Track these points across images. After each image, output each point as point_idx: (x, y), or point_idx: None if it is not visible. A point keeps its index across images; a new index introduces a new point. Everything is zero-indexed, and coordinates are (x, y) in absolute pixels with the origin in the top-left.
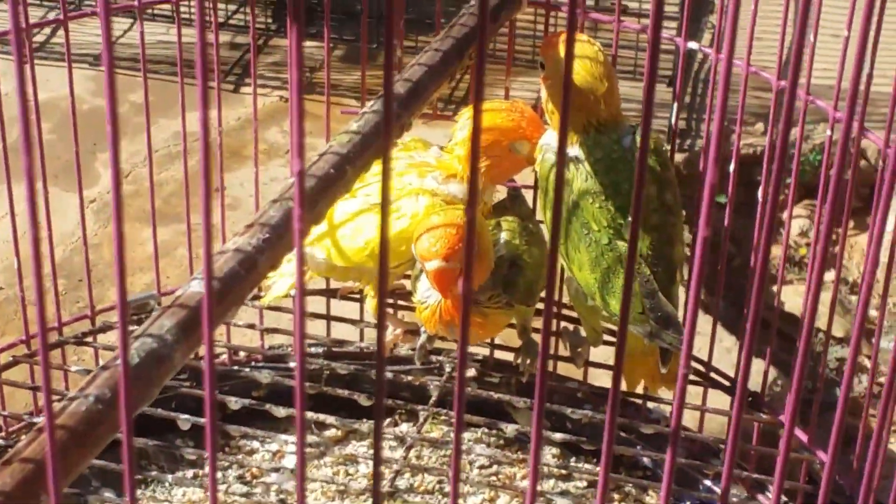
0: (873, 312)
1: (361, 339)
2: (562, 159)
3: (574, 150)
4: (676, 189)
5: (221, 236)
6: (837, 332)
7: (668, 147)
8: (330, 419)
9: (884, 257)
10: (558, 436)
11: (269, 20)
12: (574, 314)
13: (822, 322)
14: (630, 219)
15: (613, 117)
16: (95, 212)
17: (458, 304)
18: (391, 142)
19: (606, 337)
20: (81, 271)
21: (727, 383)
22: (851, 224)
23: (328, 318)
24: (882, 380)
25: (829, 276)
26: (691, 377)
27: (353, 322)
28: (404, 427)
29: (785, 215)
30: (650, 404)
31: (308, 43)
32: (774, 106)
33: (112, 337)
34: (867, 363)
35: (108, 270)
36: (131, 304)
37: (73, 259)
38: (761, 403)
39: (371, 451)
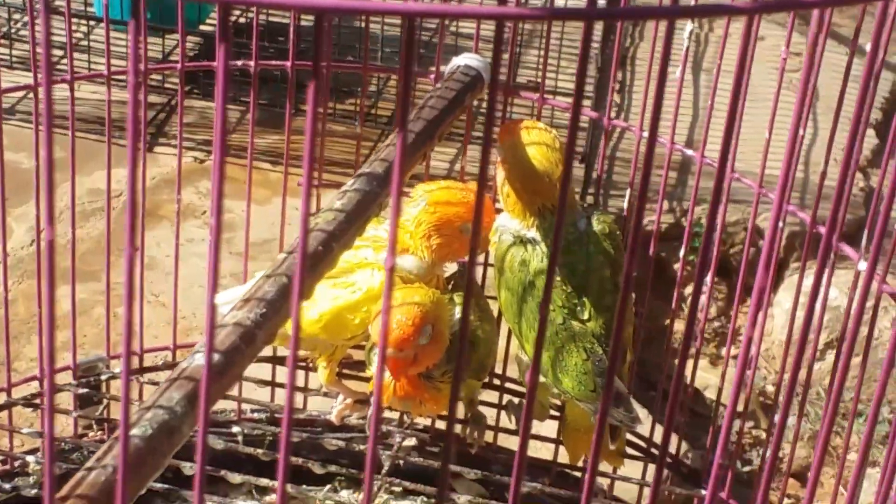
0: (770, 388)
1: (305, 407)
2: (559, 236)
3: (531, 232)
4: None
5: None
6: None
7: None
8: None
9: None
10: None
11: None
12: (520, 388)
13: (722, 397)
14: (585, 298)
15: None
16: (10, 267)
17: (412, 381)
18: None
19: (552, 412)
20: None
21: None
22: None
23: (273, 384)
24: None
25: (731, 351)
26: (633, 452)
27: (300, 389)
28: (344, 494)
29: (688, 290)
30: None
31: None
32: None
33: (61, 398)
34: (763, 436)
35: (23, 327)
36: (80, 366)
37: None
38: (701, 479)
39: None
